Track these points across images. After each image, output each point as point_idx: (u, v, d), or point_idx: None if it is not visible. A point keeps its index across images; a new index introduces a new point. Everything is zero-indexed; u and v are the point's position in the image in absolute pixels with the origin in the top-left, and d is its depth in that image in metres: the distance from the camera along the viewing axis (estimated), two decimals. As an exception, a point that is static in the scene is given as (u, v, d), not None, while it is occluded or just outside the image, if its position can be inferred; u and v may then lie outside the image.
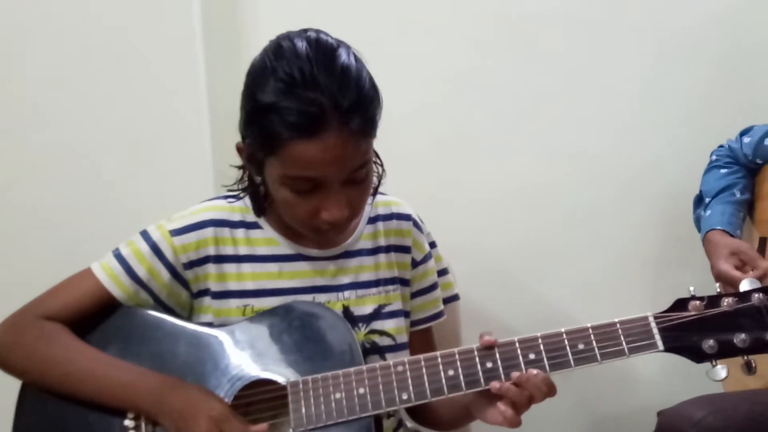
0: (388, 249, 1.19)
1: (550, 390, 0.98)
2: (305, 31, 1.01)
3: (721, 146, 1.64)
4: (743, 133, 1.60)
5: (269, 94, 0.95)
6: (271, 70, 0.96)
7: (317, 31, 1.01)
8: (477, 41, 1.74)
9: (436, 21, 1.73)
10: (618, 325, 0.97)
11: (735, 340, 0.93)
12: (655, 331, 0.95)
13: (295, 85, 0.93)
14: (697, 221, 1.60)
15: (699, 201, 1.62)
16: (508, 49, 1.74)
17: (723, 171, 1.59)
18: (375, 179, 1.08)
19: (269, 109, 0.94)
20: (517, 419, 0.98)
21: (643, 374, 1.76)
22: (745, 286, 0.96)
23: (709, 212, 1.54)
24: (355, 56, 1.00)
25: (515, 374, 0.97)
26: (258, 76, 0.98)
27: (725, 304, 0.94)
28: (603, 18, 1.74)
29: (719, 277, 1.41)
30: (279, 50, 0.98)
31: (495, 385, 0.97)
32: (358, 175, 1.00)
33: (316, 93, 0.93)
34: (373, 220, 1.19)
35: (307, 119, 0.93)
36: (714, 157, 1.63)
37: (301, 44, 0.97)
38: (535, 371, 0.97)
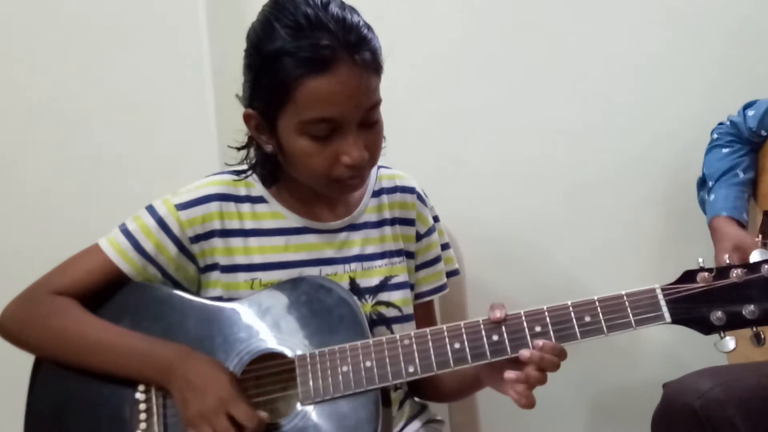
0: (393, 221, 1.19)
1: (561, 356, 0.97)
2: None
3: (721, 123, 1.61)
4: (746, 106, 1.57)
5: (277, 40, 0.97)
6: (275, 20, 0.99)
7: None
8: (478, 14, 1.71)
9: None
10: (625, 297, 0.96)
11: (744, 312, 0.92)
12: (663, 302, 0.94)
13: (302, 27, 0.96)
14: (702, 204, 1.59)
15: (702, 183, 1.60)
16: (511, 23, 1.71)
17: (725, 150, 1.56)
18: None
19: (280, 53, 0.97)
20: (530, 400, 0.97)
21: (648, 346, 1.76)
22: (755, 257, 0.95)
23: (713, 196, 1.52)
24: (350, 7, 1.03)
25: (524, 354, 0.96)
26: (261, 30, 1.01)
27: (734, 275, 0.93)
28: None
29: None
30: (277, 4, 1.01)
31: (509, 375, 0.97)
32: (372, 117, 1.02)
33: (323, 32, 0.96)
34: (377, 193, 1.19)
35: (319, 54, 0.95)
36: (715, 136, 1.61)
37: None
38: (540, 345, 0.96)
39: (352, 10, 1.02)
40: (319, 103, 0.97)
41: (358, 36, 0.98)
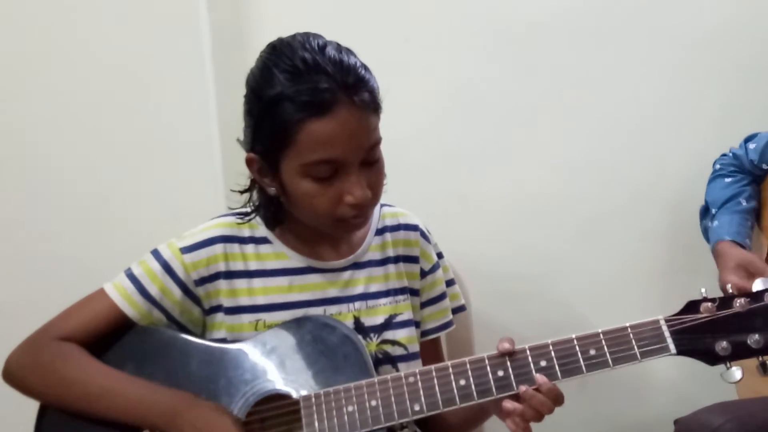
0: (396, 259, 1.19)
1: (557, 400, 0.97)
2: (293, 35, 1.05)
3: (724, 155, 1.63)
4: (748, 139, 1.58)
5: (276, 86, 0.99)
6: (273, 65, 1.00)
7: (304, 33, 1.05)
8: (481, 51, 1.73)
9: (438, 32, 1.73)
10: (629, 330, 0.95)
11: (749, 341, 0.91)
12: (667, 334, 0.94)
13: (300, 72, 0.98)
14: (705, 232, 1.59)
15: (705, 212, 1.60)
16: (513, 58, 1.73)
17: (728, 180, 1.58)
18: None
19: (279, 98, 0.98)
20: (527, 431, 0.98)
21: (658, 382, 1.74)
22: (758, 285, 0.94)
23: (716, 223, 1.53)
24: (347, 49, 1.04)
25: (522, 389, 0.97)
26: (260, 75, 1.02)
27: (737, 304, 0.93)
28: (611, 25, 1.72)
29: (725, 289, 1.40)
30: (275, 51, 1.03)
31: (507, 406, 0.98)
32: (373, 156, 1.03)
33: (321, 75, 0.97)
34: (380, 232, 1.19)
35: (318, 97, 0.97)
36: (718, 166, 1.62)
37: (294, 42, 1.02)
38: (537, 385, 0.97)
39: (349, 52, 1.04)
40: (320, 145, 0.98)
41: (355, 77, 0.99)
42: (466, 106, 1.74)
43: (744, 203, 1.54)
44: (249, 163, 1.08)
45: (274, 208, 1.12)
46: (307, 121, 0.97)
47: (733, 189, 1.55)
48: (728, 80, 1.71)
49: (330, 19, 1.64)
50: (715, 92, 1.72)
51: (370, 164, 1.04)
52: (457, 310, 1.26)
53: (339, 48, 1.03)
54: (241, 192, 1.14)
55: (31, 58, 1.63)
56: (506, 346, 0.98)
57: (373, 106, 1.02)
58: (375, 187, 1.05)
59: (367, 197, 1.02)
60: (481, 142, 1.73)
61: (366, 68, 1.04)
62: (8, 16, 1.62)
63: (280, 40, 1.04)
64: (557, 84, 1.73)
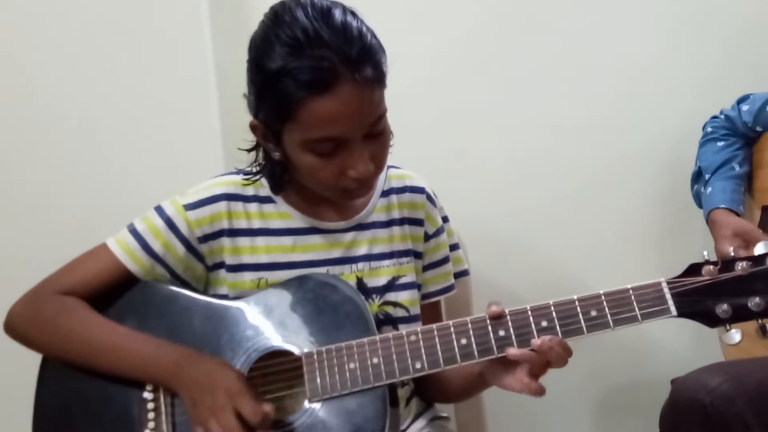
0: (401, 221, 1.19)
1: (567, 352, 0.97)
2: None
3: (714, 117, 1.62)
4: (740, 101, 1.58)
5: (276, 59, 0.96)
6: (274, 36, 0.97)
7: None
8: (482, 9, 1.73)
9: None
10: (630, 291, 0.96)
11: (749, 304, 0.92)
12: (668, 296, 0.95)
13: (301, 45, 0.94)
14: (697, 197, 1.59)
15: (698, 176, 1.60)
16: (512, 19, 1.73)
17: (720, 144, 1.57)
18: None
19: (280, 73, 0.95)
20: (537, 386, 0.98)
21: (655, 342, 1.76)
22: (759, 249, 0.95)
23: (710, 189, 1.53)
24: (351, 11, 1.01)
25: (535, 341, 0.96)
26: (261, 46, 0.99)
27: (739, 268, 0.93)
28: None
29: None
30: (276, 18, 0.99)
31: (511, 351, 0.97)
32: (377, 128, 1.01)
33: (323, 49, 0.94)
34: (386, 193, 1.19)
35: (319, 75, 0.94)
36: (709, 129, 1.61)
37: (296, 8, 0.98)
38: (548, 337, 0.96)
39: (354, 16, 1.00)
40: (321, 123, 0.97)
41: (360, 49, 0.96)
42: (465, 65, 1.74)
43: (737, 168, 1.54)
44: (253, 128, 1.07)
45: (279, 171, 1.11)
46: (307, 99, 0.95)
47: (726, 153, 1.55)
48: (720, 41, 1.73)
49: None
50: (709, 52, 1.73)
51: (374, 136, 1.02)
52: (460, 274, 1.26)
53: (344, 11, 0.99)
54: (248, 150, 1.13)
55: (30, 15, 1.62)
56: (494, 309, 0.99)
57: (377, 80, 0.99)
58: (378, 158, 1.04)
59: (369, 171, 1.02)
60: (480, 102, 1.74)
61: (372, 35, 1.00)
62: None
63: (282, 5, 1.00)
64: (555, 46, 1.74)
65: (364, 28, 0.99)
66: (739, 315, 0.93)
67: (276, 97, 0.97)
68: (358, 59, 0.95)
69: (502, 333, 0.99)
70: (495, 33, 1.73)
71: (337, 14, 0.98)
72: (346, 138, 0.99)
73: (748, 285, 0.93)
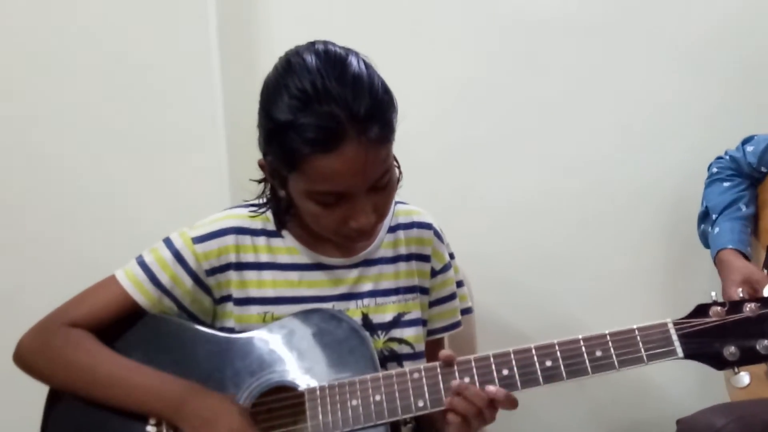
0: (408, 257, 1.19)
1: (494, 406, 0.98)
2: (313, 43, 1.02)
3: (719, 157, 1.62)
4: (745, 142, 1.59)
5: (284, 111, 0.95)
6: (284, 87, 0.97)
7: (325, 43, 1.01)
8: (486, 50, 1.76)
9: (445, 30, 1.75)
10: (636, 332, 0.95)
11: (758, 347, 0.91)
12: (675, 337, 0.94)
13: (309, 100, 0.94)
14: (704, 237, 1.59)
15: (704, 216, 1.60)
16: (517, 58, 1.75)
17: (726, 184, 1.57)
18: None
19: (286, 126, 0.95)
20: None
21: (660, 381, 1.73)
22: (768, 291, 0.94)
23: (717, 229, 1.53)
24: (365, 62, 1.00)
25: (454, 383, 0.97)
26: (271, 94, 0.99)
27: (747, 309, 0.92)
28: (612, 26, 1.75)
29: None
30: (288, 66, 0.99)
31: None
32: (382, 182, 1.01)
33: (331, 105, 0.93)
34: (393, 229, 1.19)
35: (325, 134, 0.93)
36: (715, 170, 1.61)
37: (309, 57, 0.97)
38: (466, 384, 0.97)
39: (368, 67, 0.99)
40: (325, 179, 0.96)
41: (368, 107, 0.94)
42: (471, 103, 1.76)
43: (744, 209, 1.54)
44: (261, 166, 1.08)
45: (285, 206, 1.12)
46: (312, 155, 0.94)
47: (732, 194, 1.55)
48: (725, 81, 1.74)
49: (336, 14, 1.67)
50: (713, 93, 1.74)
51: (379, 189, 1.01)
52: (464, 311, 1.26)
53: (358, 62, 0.98)
54: (258, 181, 1.14)
55: (36, 53, 1.65)
56: (446, 353, 1.00)
57: (384, 139, 0.97)
58: (382, 209, 1.04)
59: (370, 223, 1.02)
60: (485, 140, 1.76)
61: (384, 89, 0.99)
62: (11, 11, 1.65)
63: (296, 53, 1.00)
64: (560, 83, 1.75)
65: (377, 81, 0.98)
66: (748, 358, 0.91)
67: (282, 147, 0.97)
68: (365, 118, 0.94)
69: (506, 372, 0.98)
70: (501, 71, 1.75)
71: (350, 66, 0.97)
72: (349, 192, 0.99)
73: (757, 327, 0.92)
